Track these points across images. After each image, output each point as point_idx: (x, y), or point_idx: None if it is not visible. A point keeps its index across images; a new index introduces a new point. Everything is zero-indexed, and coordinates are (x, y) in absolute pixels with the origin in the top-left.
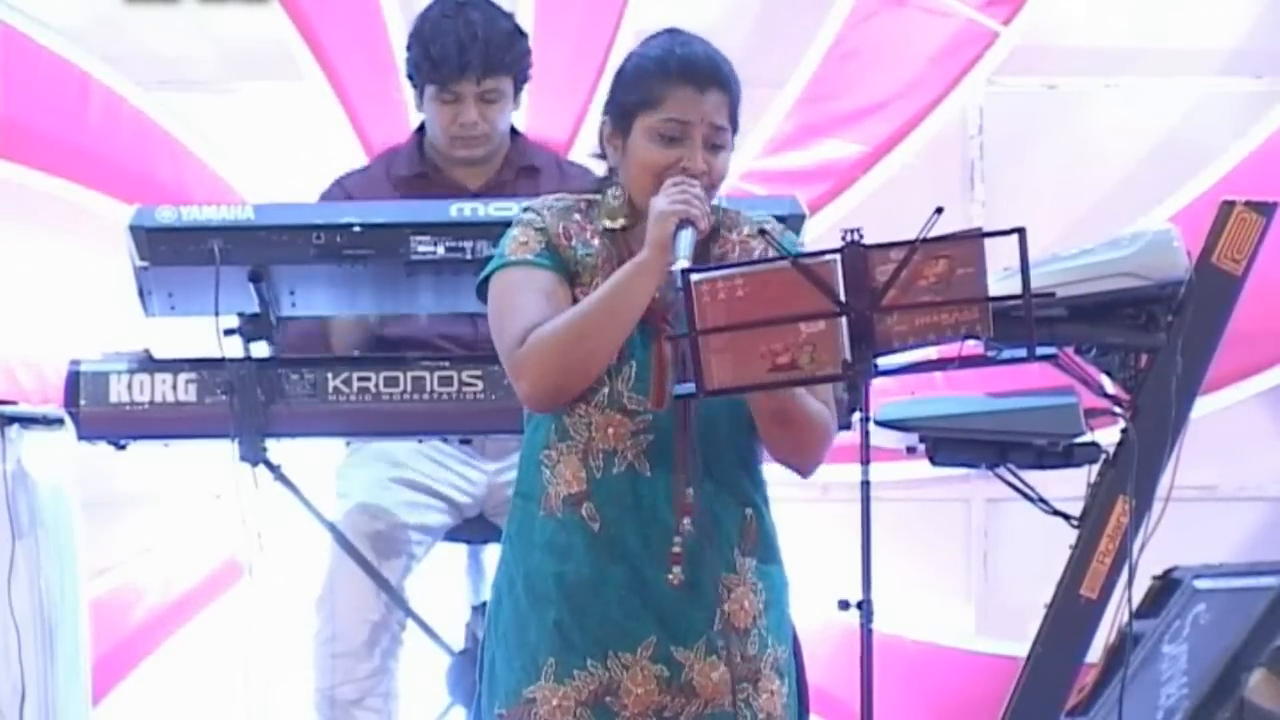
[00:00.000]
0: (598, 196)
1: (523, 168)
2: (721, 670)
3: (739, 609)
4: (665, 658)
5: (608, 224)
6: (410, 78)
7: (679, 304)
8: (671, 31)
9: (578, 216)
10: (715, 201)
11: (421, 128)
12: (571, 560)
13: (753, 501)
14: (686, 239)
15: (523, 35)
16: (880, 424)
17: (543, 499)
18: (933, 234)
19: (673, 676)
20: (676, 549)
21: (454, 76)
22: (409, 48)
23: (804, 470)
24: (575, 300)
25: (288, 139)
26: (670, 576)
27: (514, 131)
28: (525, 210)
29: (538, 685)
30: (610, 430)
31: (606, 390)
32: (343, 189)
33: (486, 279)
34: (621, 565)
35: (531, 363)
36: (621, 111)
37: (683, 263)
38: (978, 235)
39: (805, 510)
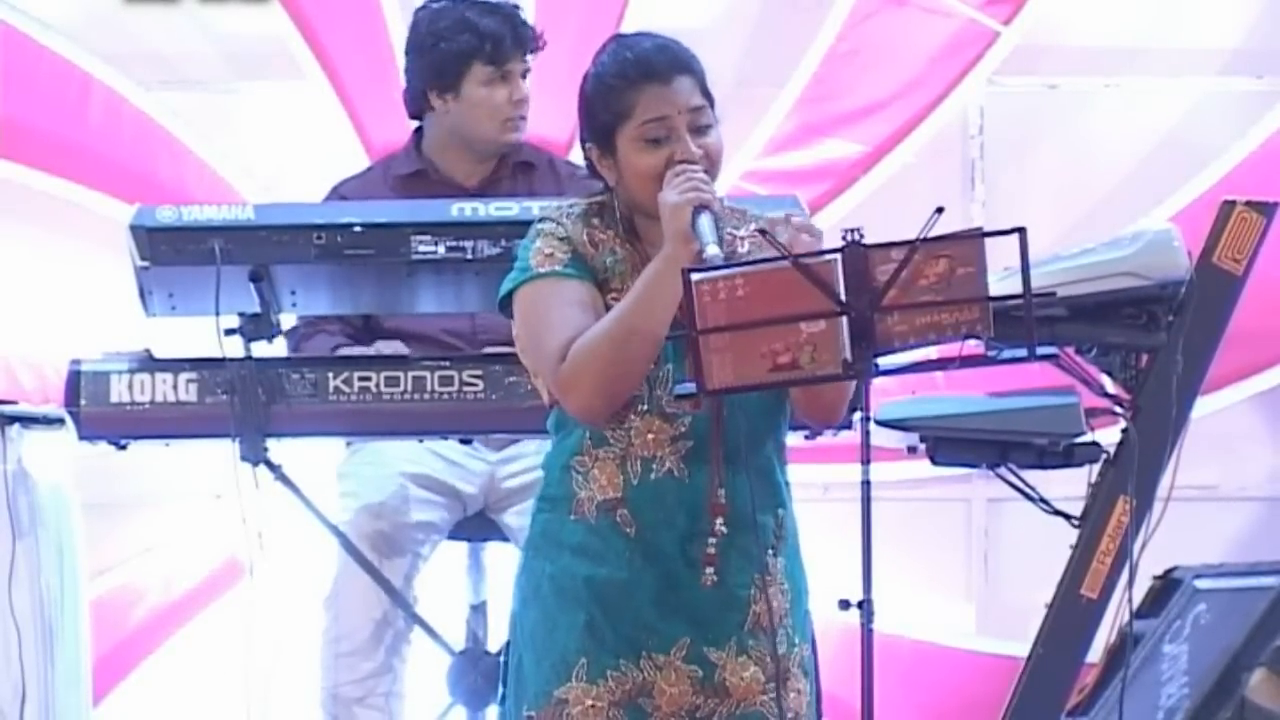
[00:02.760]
0: (604, 198)
1: (518, 163)
2: (753, 669)
3: (768, 609)
4: (699, 658)
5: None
6: (439, 76)
7: None
8: (617, 39)
9: (596, 221)
10: (722, 201)
11: (419, 130)
12: (606, 564)
13: (784, 502)
14: (707, 223)
15: None
16: (881, 423)
17: (573, 504)
18: (933, 234)
19: (706, 677)
20: (710, 550)
21: (509, 53)
22: (435, 45)
23: (832, 424)
24: (608, 307)
25: (288, 139)
26: (704, 578)
27: None
28: (542, 220)
29: (569, 685)
30: (650, 436)
31: (646, 396)
32: (339, 195)
33: (510, 292)
34: (656, 568)
35: (580, 378)
36: (601, 133)
37: (713, 248)
38: (978, 235)
39: (805, 510)
